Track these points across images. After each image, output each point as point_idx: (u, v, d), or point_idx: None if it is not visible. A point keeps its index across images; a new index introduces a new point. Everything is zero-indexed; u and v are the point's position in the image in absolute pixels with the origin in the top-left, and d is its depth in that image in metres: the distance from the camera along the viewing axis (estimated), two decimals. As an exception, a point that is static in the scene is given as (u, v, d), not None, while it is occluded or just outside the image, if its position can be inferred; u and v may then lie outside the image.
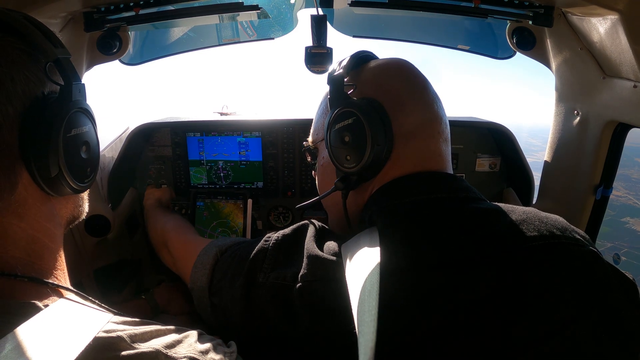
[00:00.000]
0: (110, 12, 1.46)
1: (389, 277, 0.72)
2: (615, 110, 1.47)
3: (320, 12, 1.53)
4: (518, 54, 1.80)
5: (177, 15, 1.56)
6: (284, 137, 2.07)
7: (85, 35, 1.53)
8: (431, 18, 1.92)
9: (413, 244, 0.80)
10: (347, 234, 0.93)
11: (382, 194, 0.94)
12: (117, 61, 1.75)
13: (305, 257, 0.86)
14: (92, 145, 0.78)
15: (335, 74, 1.00)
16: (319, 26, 1.53)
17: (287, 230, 0.97)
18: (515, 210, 0.86)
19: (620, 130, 1.55)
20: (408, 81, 0.99)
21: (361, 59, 1.05)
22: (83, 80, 1.59)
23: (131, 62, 1.91)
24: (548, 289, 0.74)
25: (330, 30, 1.66)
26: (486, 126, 2.01)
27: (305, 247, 0.88)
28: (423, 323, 0.72)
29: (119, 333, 0.59)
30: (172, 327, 0.68)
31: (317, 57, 1.56)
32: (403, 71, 1.01)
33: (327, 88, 1.04)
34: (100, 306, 0.70)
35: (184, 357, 0.62)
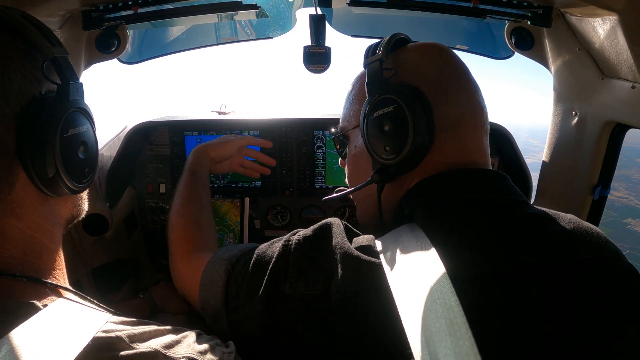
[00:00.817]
0: (109, 10, 1.46)
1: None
2: (613, 111, 1.47)
3: (319, 12, 1.53)
4: (517, 54, 1.80)
5: (176, 14, 1.56)
6: (282, 136, 2.07)
7: (83, 33, 1.53)
8: (430, 18, 1.92)
9: (471, 251, 0.73)
10: (376, 228, 0.89)
11: (424, 189, 0.88)
12: (115, 60, 1.75)
13: (340, 260, 0.77)
14: (90, 145, 0.77)
15: (372, 57, 0.93)
16: (317, 25, 1.53)
17: (307, 232, 0.87)
18: (561, 218, 0.83)
19: (619, 131, 1.55)
20: (450, 68, 0.93)
21: (397, 42, 0.98)
22: (81, 79, 1.60)
23: (129, 61, 1.91)
24: (597, 303, 0.72)
25: (329, 29, 1.66)
26: None
27: (339, 248, 0.79)
28: (491, 337, 0.65)
29: (118, 333, 0.59)
30: (170, 327, 0.69)
31: (315, 56, 1.56)
32: (444, 57, 0.94)
33: (354, 73, 0.99)
34: (99, 306, 0.70)
35: (183, 357, 0.62)
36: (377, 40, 0.98)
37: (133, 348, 0.59)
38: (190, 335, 0.69)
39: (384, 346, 0.67)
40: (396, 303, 0.65)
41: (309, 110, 2.34)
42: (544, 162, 1.85)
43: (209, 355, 0.66)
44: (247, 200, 1.89)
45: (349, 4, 1.58)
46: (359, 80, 1.03)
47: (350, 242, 0.81)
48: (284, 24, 1.92)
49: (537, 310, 0.69)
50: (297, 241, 0.85)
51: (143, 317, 0.69)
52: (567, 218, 0.83)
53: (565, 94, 1.67)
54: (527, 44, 1.69)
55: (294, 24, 1.92)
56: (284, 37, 2.05)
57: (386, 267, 0.72)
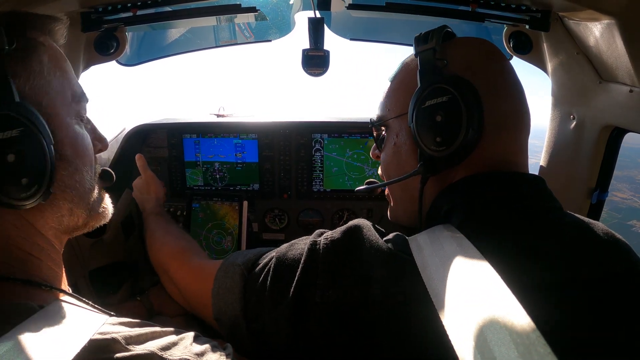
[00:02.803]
0: (108, 12, 1.46)
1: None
2: (611, 115, 1.47)
3: (318, 15, 1.53)
4: (515, 57, 1.81)
5: (175, 17, 1.56)
6: (281, 139, 2.07)
7: (82, 35, 1.52)
8: (428, 22, 1.92)
9: (525, 262, 0.70)
10: (411, 225, 0.87)
11: (466, 186, 0.87)
12: (114, 62, 1.75)
13: (379, 263, 0.73)
14: (28, 152, 0.66)
15: (424, 45, 0.91)
16: (316, 29, 1.53)
17: (335, 234, 0.83)
18: (595, 227, 0.81)
19: (616, 135, 1.55)
20: (500, 66, 0.92)
21: (446, 35, 0.95)
22: (80, 81, 1.59)
23: (128, 63, 1.90)
24: (632, 318, 0.69)
25: (328, 33, 1.67)
26: None
27: (376, 250, 0.76)
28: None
29: (114, 335, 0.59)
30: (167, 329, 0.68)
31: (314, 59, 1.56)
32: (495, 54, 0.93)
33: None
34: (96, 308, 0.70)
35: (179, 359, 0.62)
36: (428, 30, 0.95)
37: (129, 350, 0.59)
38: (187, 337, 0.69)
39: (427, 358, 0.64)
40: (440, 313, 0.61)
41: (307, 114, 2.34)
42: (541, 166, 1.85)
43: (206, 357, 0.66)
44: (245, 203, 1.88)
45: (348, 8, 1.59)
46: (405, 68, 1.00)
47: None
48: (283, 27, 1.92)
49: (572, 322, 0.65)
50: (325, 244, 0.81)
51: (140, 319, 0.68)
52: (599, 228, 0.81)
53: (563, 97, 1.67)
54: (526, 48, 1.69)
55: (293, 27, 1.92)
56: (282, 40, 2.05)
57: (425, 270, 0.69)
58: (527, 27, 1.53)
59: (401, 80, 1.00)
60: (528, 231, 0.76)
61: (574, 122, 1.64)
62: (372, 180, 1.09)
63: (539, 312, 0.57)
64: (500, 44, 1.74)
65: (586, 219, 0.83)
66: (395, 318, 0.68)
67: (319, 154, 2.08)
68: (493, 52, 0.93)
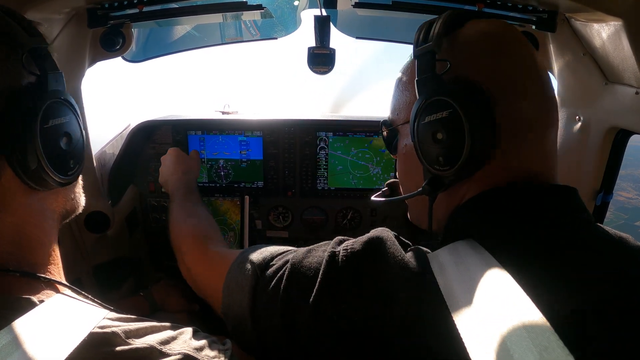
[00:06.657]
0: (114, 8, 1.46)
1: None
2: (617, 117, 1.47)
3: (324, 13, 1.53)
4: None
5: (181, 13, 1.56)
6: (285, 137, 2.07)
7: (88, 31, 1.53)
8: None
9: (554, 288, 0.61)
10: (426, 235, 0.82)
11: (485, 202, 0.76)
12: (119, 58, 1.75)
13: (404, 283, 0.67)
14: (74, 137, 0.75)
15: (423, 46, 0.78)
16: (322, 27, 1.53)
17: (355, 246, 0.74)
18: (628, 241, 0.72)
19: (622, 137, 1.55)
20: (521, 56, 0.77)
21: (455, 23, 0.80)
22: (85, 77, 1.60)
23: (134, 60, 1.91)
24: None
25: (334, 31, 1.66)
26: None
27: (399, 267, 0.69)
28: None
29: (114, 329, 0.60)
30: (167, 324, 0.69)
31: (320, 57, 1.56)
32: (512, 42, 0.78)
33: (407, 58, 0.87)
34: (96, 302, 0.70)
35: (178, 353, 0.62)
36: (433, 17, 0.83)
37: (129, 344, 0.59)
38: (187, 332, 0.69)
39: None
40: (465, 342, 0.55)
41: (312, 112, 2.34)
42: (546, 166, 1.84)
43: (205, 352, 0.66)
44: (247, 198, 1.88)
45: (354, 6, 1.58)
46: (410, 68, 0.88)
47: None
48: (289, 25, 1.92)
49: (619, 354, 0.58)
50: (344, 257, 0.73)
51: (142, 315, 0.69)
52: (631, 243, 0.73)
53: (569, 99, 1.67)
54: (531, 48, 1.69)
55: (299, 25, 1.92)
56: (288, 38, 2.05)
57: (450, 295, 0.62)
58: (533, 27, 1.52)
59: (407, 81, 0.89)
60: (555, 252, 0.67)
61: (580, 124, 1.63)
62: (388, 186, 1.06)
63: (574, 342, 0.51)
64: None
65: (617, 233, 0.74)
66: (413, 339, 0.62)
67: (324, 152, 2.08)
68: (510, 39, 0.79)
